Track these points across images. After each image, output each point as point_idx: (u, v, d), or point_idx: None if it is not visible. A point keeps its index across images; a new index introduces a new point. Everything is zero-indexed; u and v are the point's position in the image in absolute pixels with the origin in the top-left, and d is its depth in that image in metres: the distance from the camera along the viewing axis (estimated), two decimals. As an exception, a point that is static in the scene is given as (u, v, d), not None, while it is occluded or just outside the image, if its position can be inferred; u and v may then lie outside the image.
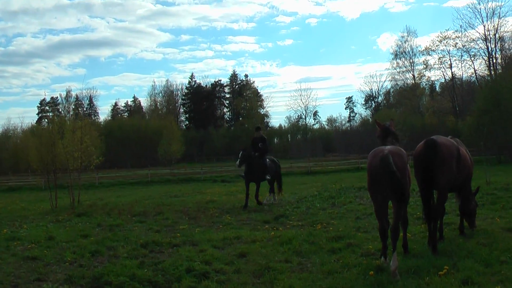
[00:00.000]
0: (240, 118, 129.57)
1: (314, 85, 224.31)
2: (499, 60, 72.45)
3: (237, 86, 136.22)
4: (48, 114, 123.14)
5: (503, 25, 71.40)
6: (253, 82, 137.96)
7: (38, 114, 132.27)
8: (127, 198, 30.21)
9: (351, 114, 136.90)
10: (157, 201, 25.31)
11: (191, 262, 10.38)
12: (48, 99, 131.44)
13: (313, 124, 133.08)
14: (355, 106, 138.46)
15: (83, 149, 26.96)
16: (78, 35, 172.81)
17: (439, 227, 11.61)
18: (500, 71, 67.62)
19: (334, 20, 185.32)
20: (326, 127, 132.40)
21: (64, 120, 34.17)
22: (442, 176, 11.15)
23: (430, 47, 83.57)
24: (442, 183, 11.23)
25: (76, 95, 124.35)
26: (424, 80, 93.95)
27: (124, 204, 24.47)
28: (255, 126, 24.78)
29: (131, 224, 17.05)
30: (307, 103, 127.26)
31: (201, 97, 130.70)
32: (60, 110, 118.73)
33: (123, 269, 9.92)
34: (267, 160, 22.30)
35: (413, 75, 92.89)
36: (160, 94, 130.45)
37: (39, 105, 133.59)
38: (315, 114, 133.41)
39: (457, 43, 77.89)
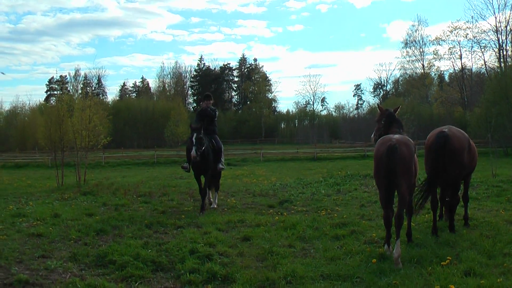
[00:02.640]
0: (248, 102, 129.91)
1: (322, 71, 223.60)
2: (509, 53, 71.97)
3: (245, 70, 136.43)
4: (56, 92, 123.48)
5: (515, 18, 70.95)
6: (262, 66, 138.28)
7: (46, 92, 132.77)
8: (133, 178, 30.30)
9: (359, 102, 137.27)
10: (163, 182, 25.39)
11: (195, 243, 10.44)
12: (57, 77, 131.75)
13: (321, 111, 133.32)
14: (363, 93, 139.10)
15: (91, 128, 27.02)
16: (88, 15, 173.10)
17: (451, 218, 11.68)
18: (510, 63, 67.26)
19: (345, 6, 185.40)
20: (334, 114, 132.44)
21: (72, 99, 34.20)
22: (454, 167, 11.21)
23: (440, 37, 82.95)
24: (454, 174, 11.29)
25: (85, 74, 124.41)
26: (433, 70, 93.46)
27: (130, 184, 24.53)
28: (204, 93, 19.06)
29: (136, 205, 17.13)
30: (315, 89, 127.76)
31: (209, 80, 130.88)
32: (69, 88, 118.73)
33: (127, 248, 9.98)
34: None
35: (423, 65, 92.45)
36: (169, 76, 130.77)
37: (48, 83, 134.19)
38: (323, 100, 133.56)
39: (467, 34, 77.36)
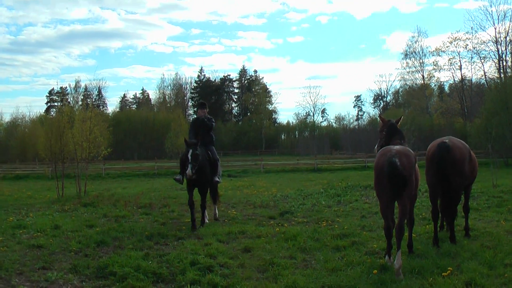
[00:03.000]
0: (248, 114, 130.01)
1: (323, 82, 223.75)
2: (509, 63, 72.06)
3: (246, 82, 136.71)
4: (56, 104, 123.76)
5: (514, 28, 71.04)
6: (262, 78, 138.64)
7: (46, 103, 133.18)
8: (133, 189, 30.28)
9: (359, 113, 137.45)
10: (163, 194, 25.37)
11: (195, 255, 10.44)
12: (57, 89, 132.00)
13: (321, 122, 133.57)
14: (363, 104, 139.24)
15: (91, 140, 27.07)
16: (89, 26, 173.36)
17: (451, 229, 11.67)
18: (510, 74, 67.35)
19: (345, 18, 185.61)
20: (334, 125, 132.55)
21: (73, 110, 34.27)
22: (456, 178, 11.24)
23: (440, 48, 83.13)
24: (456, 185, 11.31)
25: (85, 86, 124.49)
26: (433, 81, 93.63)
27: (130, 195, 24.48)
28: (198, 102, 17.36)
29: (137, 216, 17.11)
30: (315, 100, 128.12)
31: (210, 91, 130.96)
32: (69, 100, 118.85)
33: (128, 260, 9.98)
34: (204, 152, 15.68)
35: (423, 76, 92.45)
36: (169, 87, 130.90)
37: (48, 95, 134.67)
38: (323, 111, 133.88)
39: (467, 44, 77.58)
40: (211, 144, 16.28)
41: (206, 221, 15.57)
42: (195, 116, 17.35)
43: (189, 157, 14.44)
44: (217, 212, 16.54)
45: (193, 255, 10.46)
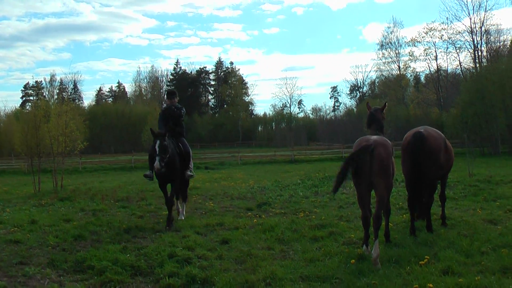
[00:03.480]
0: (225, 106, 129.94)
1: (299, 73, 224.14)
2: (484, 53, 72.48)
3: (222, 74, 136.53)
4: (32, 98, 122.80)
5: (489, 19, 71.10)
6: (238, 69, 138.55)
7: (22, 98, 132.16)
8: (110, 183, 30.18)
9: (336, 104, 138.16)
10: (140, 187, 25.26)
11: (173, 247, 10.43)
12: (32, 83, 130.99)
13: (298, 113, 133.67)
14: (339, 95, 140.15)
15: (67, 134, 26.93)
16: (64, 19, 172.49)
17: (428, 218, 11.73)
18: (485, 64, 67.86)
19: (321, 9, 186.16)
20: (311, 116, 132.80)
21: (49, 105, 34.05)
22: (431, 167, 11.31)
23: (416, 38, 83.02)
24: (431, 174, 11.39)
25: (61, 80, 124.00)
26: (409, 71, 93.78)
27: (108, 189, 24.42)
28: (167, 90, 15.31)
29: (114, 210, 17.06)
30: (292, 91, 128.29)
31: (186, 84, 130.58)
32: (44, 94, 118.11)
33: (106, 253, 9.93)
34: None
35: (399, 66, 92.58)
36: (145, 80, 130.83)
37: (23, 89, 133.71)
38: (300, 103, 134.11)
39: (443, 35, 77.63)
40: (181, 136, 15.09)
41: (182, 217, 14.75)
42: (164, 106, 15.97)
43: (157, 149, 13.22)
44: (184, 211, 15.40)
45: (171, 247, 10.46)
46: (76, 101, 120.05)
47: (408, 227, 11.71)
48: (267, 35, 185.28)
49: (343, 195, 18.86)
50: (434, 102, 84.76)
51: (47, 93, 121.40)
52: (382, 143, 9.69)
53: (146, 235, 12.40)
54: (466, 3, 73.60)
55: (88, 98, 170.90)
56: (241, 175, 33.54)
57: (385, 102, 12.16)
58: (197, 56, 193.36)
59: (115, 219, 14.47)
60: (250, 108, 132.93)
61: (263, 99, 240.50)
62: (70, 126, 27.27)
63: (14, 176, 44.31)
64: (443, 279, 7.97)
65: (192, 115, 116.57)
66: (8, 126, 75.73)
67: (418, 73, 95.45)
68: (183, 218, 14.71)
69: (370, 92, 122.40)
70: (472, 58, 73.45)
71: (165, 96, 14.11)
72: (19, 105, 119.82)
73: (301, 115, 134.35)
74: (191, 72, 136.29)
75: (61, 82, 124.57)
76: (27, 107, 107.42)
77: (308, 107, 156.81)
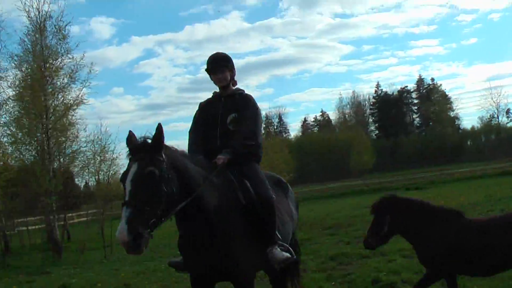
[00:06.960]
0: (430, 123, 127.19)
1: (504, 82, 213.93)
2: None
3: (424, 91, 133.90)
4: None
5: None
6: (440, 85, 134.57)
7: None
8: (318, 212, 30.39)
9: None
10: (349, 213, 25.30)
11: (378, 272, 10.35)
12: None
13: (507, 123, 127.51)
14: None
15: (273, 167, 27.64)
16: (263, 56, 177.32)
17: None
18: None
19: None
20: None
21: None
22: None
23: None
24: None
25: (266, 114, 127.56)
26: None
27: (316, 217, 24.69)
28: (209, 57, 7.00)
29: (322, 238, 17.25)
30: (498, 101, 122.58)
31: (388, 105, 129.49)
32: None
33: (310, 283, 10.02)
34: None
35: None
36: (348, 106, 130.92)
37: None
38: (508, 112, 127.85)
39: None
40: (250, 161, 6.68)
41: None
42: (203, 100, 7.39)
43: (127, 192, 5.06)
44: None
45: (375, 273, 10.38)
46: (283, 133, 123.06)
47: None
48: (465, 46, 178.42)
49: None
50: None
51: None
52: None
53: (352, 261, 12.40)
54: None
55: (294, 130, 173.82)
56: (450, 193, 32.52)
57: None
58: (397, 76, 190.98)
59: (322, 247, 14.62)
60: (456, 123, 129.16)
61: (468, 113, 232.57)
62: (276, 159, 28.00)
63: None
64: None
65: (398, 136, 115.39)
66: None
67: None
68: None
69: None
70: None
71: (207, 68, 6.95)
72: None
73: (510, 124, 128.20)
74: (392, 93, 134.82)
75: (267, 117, 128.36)
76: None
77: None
